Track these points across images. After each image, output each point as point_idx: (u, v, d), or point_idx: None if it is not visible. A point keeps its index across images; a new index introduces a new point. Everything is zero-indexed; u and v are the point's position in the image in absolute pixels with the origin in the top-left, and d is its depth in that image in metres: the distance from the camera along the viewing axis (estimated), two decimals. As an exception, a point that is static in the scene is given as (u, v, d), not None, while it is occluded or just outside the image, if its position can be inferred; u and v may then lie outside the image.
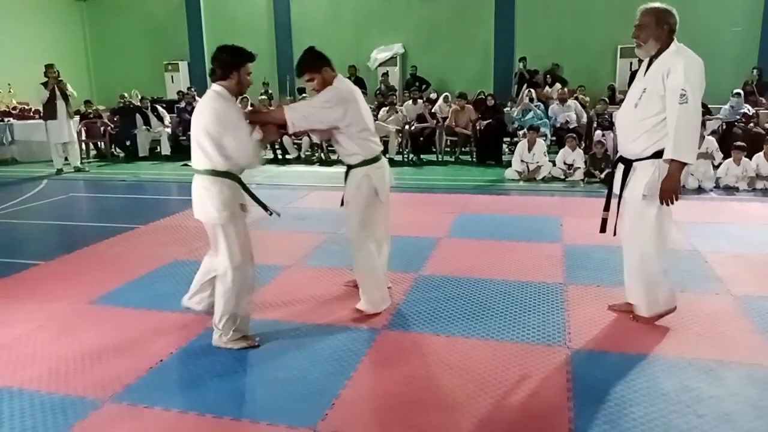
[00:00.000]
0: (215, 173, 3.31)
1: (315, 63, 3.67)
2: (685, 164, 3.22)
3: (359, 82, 13.29)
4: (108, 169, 10.84)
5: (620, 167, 3.52)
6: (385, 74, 13.79)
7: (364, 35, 14.57)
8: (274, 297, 4.18)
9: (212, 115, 3.20)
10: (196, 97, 12.62)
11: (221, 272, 3.33)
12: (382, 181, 3.76)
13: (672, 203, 3.27)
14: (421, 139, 10.82)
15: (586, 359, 3.19)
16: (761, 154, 7.77)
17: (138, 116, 11.78)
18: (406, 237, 5.55)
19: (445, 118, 10.97)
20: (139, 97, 12.55)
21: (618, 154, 3.60)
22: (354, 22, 14.73)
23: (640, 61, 3.53)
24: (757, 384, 2.92)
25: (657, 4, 3.34)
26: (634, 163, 3.41)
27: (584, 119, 10.50)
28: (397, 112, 10.79)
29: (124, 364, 3.20)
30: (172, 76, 15.99)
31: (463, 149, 10.94)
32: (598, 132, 9.61)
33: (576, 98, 10.99)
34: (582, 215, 6.48)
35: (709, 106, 9.81)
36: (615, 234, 3.65)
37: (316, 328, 3.64)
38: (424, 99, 11.96)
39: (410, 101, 11.51)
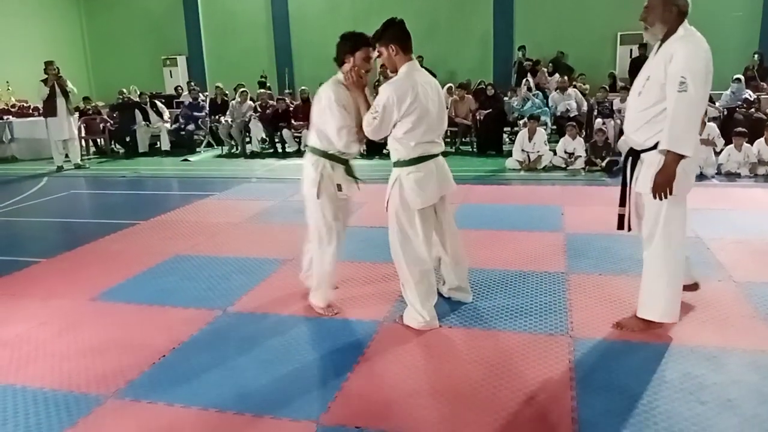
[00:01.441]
0: (314, 151, 3.58)
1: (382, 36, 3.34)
2: (682, 156, 2.99)
3: (358, 74, 13.26)
4: (108, 165, 10.84)
5: (629, 158, 3.39)
6: (383, 66, 13.67)
7: (363, 27, 14.28)
8: (275, 290, 4.18)
9: (319, 99, 3.49)
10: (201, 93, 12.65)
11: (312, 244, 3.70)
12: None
13: (665, 197, 3.04)
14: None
15: (589, 348, 3.19)
16: (762, 139, 7.73)
17: (137, 112, 11.75)
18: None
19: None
20: (138, 93, 12.52)
21: (628, 145, 3.45)
22: (352, 14, 14.66)
23: (640, 48, 3.47)
24: (760, 370, 2.91)
25: None
26: (642, 155, 3.25)
27: (584, 107, 10.45)
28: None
29: (127, 360, 3.21)
30: (170, 71, 15.97)
31: (463, 140, 10.91)
32: (599, 120, 9.57)
33: (575, 86, 10.94)
34: (583, 204, 6.47)
35: (711, 92, 9.76)
36: (629, 229, 3.42)
37: (319, 321, 3.64)
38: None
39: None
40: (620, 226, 3.43)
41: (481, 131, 10.44)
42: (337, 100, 3.42)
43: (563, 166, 8.59)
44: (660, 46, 3.17)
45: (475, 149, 10.61)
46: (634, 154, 3.30)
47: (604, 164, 8.32)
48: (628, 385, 2.82)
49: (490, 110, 10.32)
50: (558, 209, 6.15)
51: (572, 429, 2.51)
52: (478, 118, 10.47)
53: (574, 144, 8.62)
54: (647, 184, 3.12)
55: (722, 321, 3.47)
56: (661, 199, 3.06)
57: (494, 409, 2.67)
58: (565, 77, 11.23)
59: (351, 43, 3.46)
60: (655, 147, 3.11)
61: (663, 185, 3.02)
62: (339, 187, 3.56)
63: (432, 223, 3.49)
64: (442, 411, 2.68)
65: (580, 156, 8.53)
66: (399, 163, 3.37)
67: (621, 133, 8.80)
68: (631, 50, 12.45)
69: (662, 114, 3.04)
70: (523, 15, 13.72)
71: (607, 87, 10.67)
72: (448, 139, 10.98)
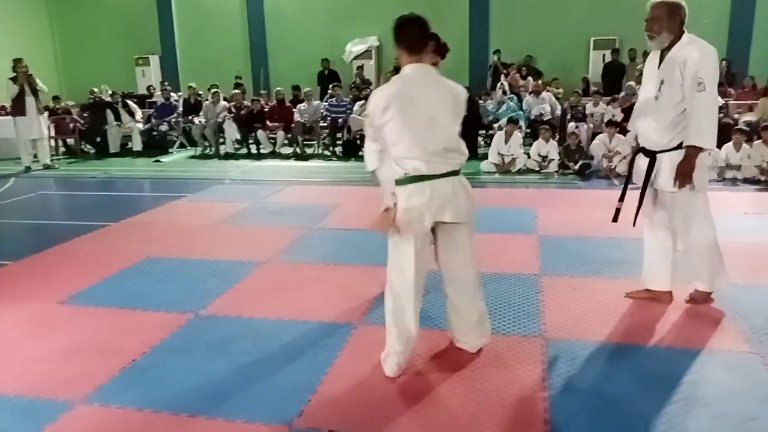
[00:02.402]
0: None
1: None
2: (700, 150, 3.33)
3: (333, 76, 13.25)
4: (78, 166, 10.63)
5: (641, 158, 3.58)
6: (360, 68, 13.73)
7: (339, 28, 14.47)
8: (249, 293, 4.14)
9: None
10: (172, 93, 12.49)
11: None
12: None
13: (686, 185, 3.36)
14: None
15: (561, 349, 3.22)
16: (730, 144, 7.91)
17: (108, 112, 11.55)
18: (383, 230, 5.55)
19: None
20: (110, 92, 12.31)
21: (638, 146, 3.64)
22: (328, 14, 14.62)
23: (613, 53, 3.59)
24: (730, 369, 2.98)
25: None
26: (659, 155, 3.46)
27: (558, 111, 10.58)
28: (372, 106, 10.73)
29: (96, 365, 3.14)
30: (143, 71, 15.72)
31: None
32: (572, 124, 9.69)
33: (549, 90, 11.07)
34: (557, 206, 6.54)
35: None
36: (634, 225, 3.69)
37: (292, 324, 3.62)
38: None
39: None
40: (615, 219, 3.69)
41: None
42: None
43: (537, 169, 8.68)
44: (664, 52, 3.42)
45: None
46: (649, 155, 3.51)
47: (576, 167, 8.43)
48: (600, 386, 2.85)
49: (466, 113, 10.34)
50: (532, 211, 6.21)
51: (544, 430, 2.53)
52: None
53: (547, 147, 8.72)
54: (671, 182, 3.40)
55: (693, 321, 3.53)
56: (681, 187, 3.37)
57: (468, 411, 2.67)
58: (539, 81, 11.36)
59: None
60: (678, 147, 3.38)
61: (687, 175, 3.34)
62: None
63: (422, 254, 2.93)
64: (416, 414, 2.67)
65: (554, 159, 8.63)
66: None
67: (593, 136, 8.99)
68: (603, 55, 12.65)
69: (683, 114, 3.35)
70: (499, 19, 13.85)
71: (580, 91, 10.83)
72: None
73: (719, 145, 7.95)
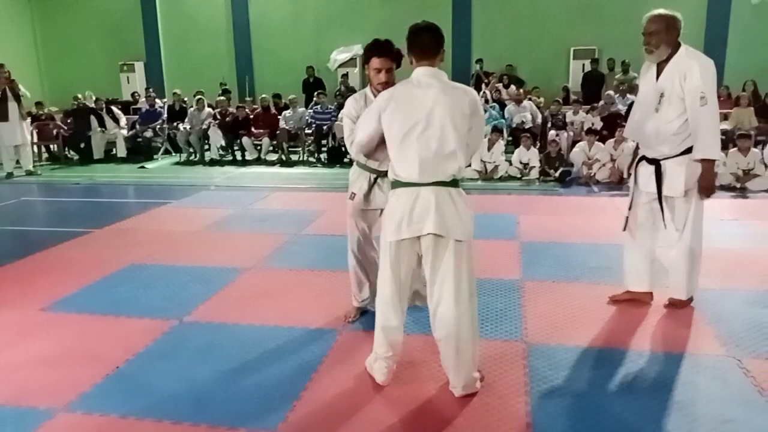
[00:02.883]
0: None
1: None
2: (714, 161, 3.45)
3: (318, 83, 13.28)
4: (61, 172, 10.54)
5: (644, 166, 3.66)
6: (345, 75, 13.78)
7: (324, 36, 14.51)
8: (234, 299, 4.14)
9: None
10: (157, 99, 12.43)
11: None
12: None
13: (710, 196, 3.51)
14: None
15: (543, 353, 3.27)
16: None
17: (92, 118, 11.48)
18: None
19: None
20: (94, 98, 12.23)
21: (640, 155, 3.73)
22: (314, 22, 14.66)
23: (592, 63, 3.67)
24: (705, 372, 3.04)
25: (662, 11, 3.48)
26: (663, 162, 3.55)
27: (539, 119, 10.72)
28: (357, 113, 10.78)
29: (79, 372, 3.13)
30: (128, 77, 15.63)
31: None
32: (552, 132, 9.82)
33: (530, 99, 11.21)
34: (538, 213, 6.62)
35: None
36: (625, 228, 3.80)
37: (277, 330, 3.63)
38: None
39: (371, 102, 11.55)
40: (626, 228, 3.81)
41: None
42: (346, 110, 3.45)
43: (519, 176, 8.78)
44: (663, 64, 3.48)
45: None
46: (653, 163, 3.59)
47: (557, 174, 8.54)
48: (580, 389, 2.90)
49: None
50: (513, 218, 6.28)
51: (526, 433, 2.57)
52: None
53: (528, 155, 8.84)
54: (679, 188, 3.51)
55: (671, 325, 3.60)
56: (706, 198, 3.51)
57: (451, 415, 2.71)
58: (521, 90, 11.50)
59: (365, 53, 3.39)
60: (682, 153, 3.47)
61: (708, 189, 3.49)
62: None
63: (409, 266, 2.82)
64: (400, 418, 2.70)
65: (535, 166, 8.74)
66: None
67: (573, 144, 9.12)
68: (583, 65, 12.84)
69: (685, 124, 3.44)
70: (481, 29, 13.99)
71: (560, 100, 11.00)
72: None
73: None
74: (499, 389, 2.91)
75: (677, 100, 3.41)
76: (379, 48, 3.30)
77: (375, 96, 3.22)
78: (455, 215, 2.72)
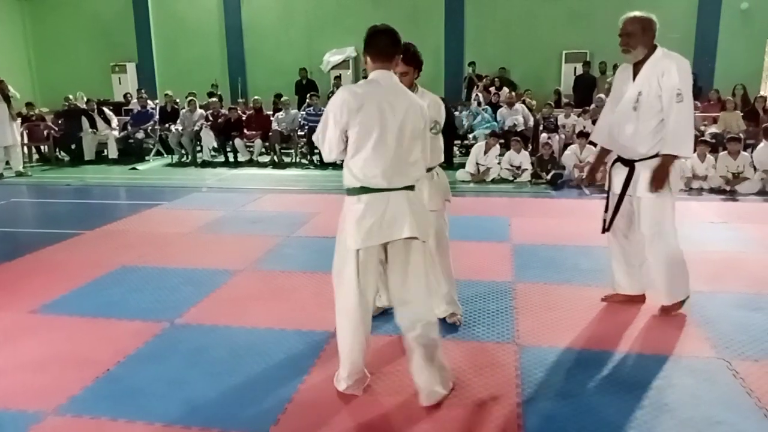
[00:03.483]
0: None
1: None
2: (676, 157, 3.49)
3: (311, 85, 13.29)
4: (52, 173, 10.47)
5: (619, 168, 3.69)
6: (338, 77, 13.80)
7: (317, 38, 14.53)
8: (225, 302, 4.13)
9: None
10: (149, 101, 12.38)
11: None
12: None
13: (661, 189, 3.49)
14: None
15: (534, 355, 3.28)
16: (695, 155, 8.13)
17: (84, 119, 11.42)
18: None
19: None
20: (85, 99, 12.16)
21: (615, 156, 3.76)
22: (306, 24, 14.67)
23: (584, 66, 3.70)
24: (694, 374, 3.06)
25: (638, 13, 3.54)
26: (638, 164, 3.58)
27: (531, 122, 10.76)
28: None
29: (69, 375, 3.11)
30: (119, 78, 15.57)
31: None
32: (544, 135, 9.87)
33: (523, 102, 11.26)
34: (530, 215, 6.65)
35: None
36: (608, 230, 3.81)
37: (269, 333, 3.62)
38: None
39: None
40: (605, 230, 3.83)
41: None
42: None
43: (511, 178, 8.81)
44: (640, 65, 3.55)
45: (427, 161, 10.74)
46: (628, 164, 3.62)
47: (549, 177, 8.58)
48: (571, 391, 2.91)
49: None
50: (505, 220, 6.31)
51: (517, 435, 2.58)
52: (430, 130, 10.59)
53: (519, 158, 8.88)
54: (649, 188, 3.52)
55: (660, 328, 3.63)
56: (656, 190, 3.49)
57: (444, 417, 2.71)
58: (513, 93, 11.54)
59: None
60: (656, 156, 3.50)
61: (661, 180, 3.48)
62: None
63: (374, 274, 2.77)
64: (392, 421, 2.70)
65: (527, 169, 8.77)
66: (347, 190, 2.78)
67: (565, 147, 9.17)
68: (575, 68, 12.92)
69: (662, 123, 3.49)
70: (473, 32, 14.05)
71: (552, 103, 11.05)
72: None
73: (686, 157, 8.20)
74: (492, 391, 2.92)
75: (655, 98, 3.48)
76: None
77: None
78: (424, 218, 2.79)
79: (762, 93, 11.57)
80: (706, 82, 12.28)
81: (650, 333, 3.56)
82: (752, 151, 8.38)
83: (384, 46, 2.74)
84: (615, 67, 12.01)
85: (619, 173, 3.70)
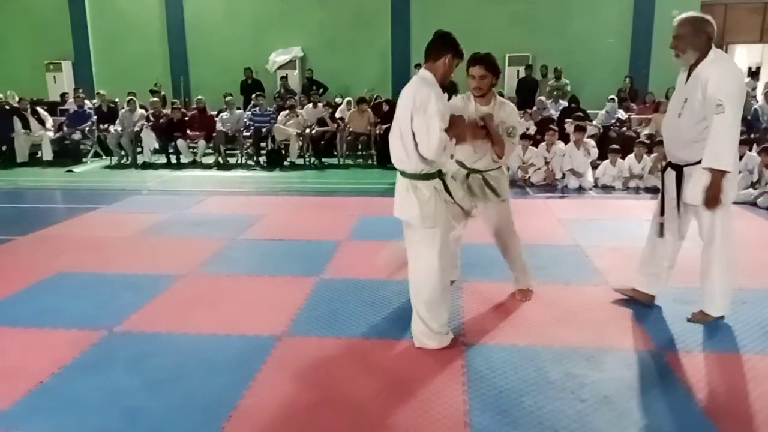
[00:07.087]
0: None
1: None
2: (725, 172, 3.27)
3: (257, 85, 13.11)
4: (-20, 176, 9.95)
5: (671, 172, 3.61)
6: (285, 77, 13.66)
7: (263, 37, 14.33)
8: (168, 308, 4.02)
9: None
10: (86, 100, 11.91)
11: None
12: None
13: (715, 208, 3.36)
14: (322, 142, 10.84)
15: (480, 353, 3.33)
16: (633, 155, 8.45)
17: (16, 119, 10.90)
18: (308, 241, 5.54)
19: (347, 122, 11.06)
20: (17, 99, 11.61)
21: (667, 160, 3.68)
22: (252, 23, 14.45)
23: (527, 69, 3.75)
24: (632, 367, 3.18)
25: (693, 14, 3.42)
26: (685, 169, 3.49)
27: (478, 123, 10.91)
28: (297, 116, 10.71)
29: (-1, 388, 2.96)
30: (54, 77, 14.93)
31: (363, 152, 11.02)
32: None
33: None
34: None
35: (588, 111, 10.58)
36: (663, 235, 3.71)
37: (213, 338, 3.54)
38: (324, 103, 12.01)
39: (310, 105, 11.51)
40: (661, 234, 3.72)
41: (380, 145, 10.61)
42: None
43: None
44: (692, 69, 3.43)
45: (374, 162, 10.77)
46: (677, 169, 3.56)
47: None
48: (516, 388, 2.97)
49: (389, 125, 10.51)
50: (453, 221, 6.36)
51: (464, 433, 2.61)
52: (378, 132, 10.65)
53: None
54: (699, 196, 3.39)
55: (599, 323, 3.74)
56: (711, 209, 3.37)
57: (390, 419, 2.72)
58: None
59: (468, 62, 3.69)
60: (700, 161, 3.36)
61: (714, 199, 3.34)
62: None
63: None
64: (339, 424, 2.69)
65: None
66: None
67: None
68: (518, 71, 13.20)
69: (705, 131, 3.32)
70: (419, 34, 14.14)
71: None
72: (349, 152, 11.06)
73: (623, 157, 8.51)
74: (438, 390, 2.94)
75: (698, 105, 3.32)
76: (476, 58, 3.72)
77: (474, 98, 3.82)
78: (411, 204, 3.21)
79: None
80: (642, 84, 12.80)
81: (590, 328, 3.66)
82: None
83: (429, 47, 3.28)
84: (556, 70, 12.39)
85: (669, 177, 3.62)
